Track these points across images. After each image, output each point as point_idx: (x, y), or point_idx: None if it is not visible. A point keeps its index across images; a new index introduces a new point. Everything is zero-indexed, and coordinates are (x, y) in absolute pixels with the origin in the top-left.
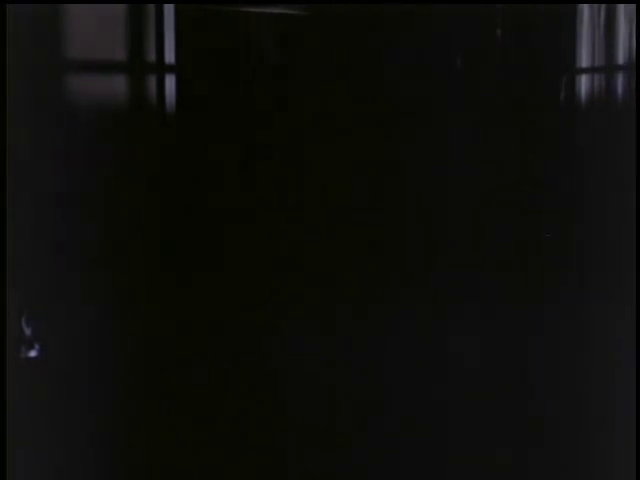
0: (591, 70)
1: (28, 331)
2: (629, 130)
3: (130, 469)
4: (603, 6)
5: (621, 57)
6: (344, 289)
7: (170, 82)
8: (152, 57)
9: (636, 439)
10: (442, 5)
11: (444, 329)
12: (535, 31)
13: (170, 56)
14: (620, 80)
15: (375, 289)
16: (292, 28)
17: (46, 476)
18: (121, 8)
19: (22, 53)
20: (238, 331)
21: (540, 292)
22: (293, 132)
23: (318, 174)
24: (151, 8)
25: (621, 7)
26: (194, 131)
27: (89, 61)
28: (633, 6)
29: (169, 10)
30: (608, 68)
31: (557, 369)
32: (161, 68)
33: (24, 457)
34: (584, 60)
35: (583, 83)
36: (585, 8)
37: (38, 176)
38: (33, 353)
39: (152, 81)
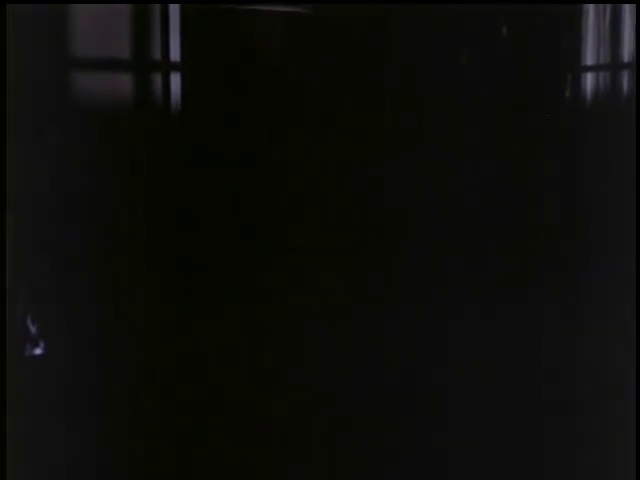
0: (591, 69)
1: (33, 329)
2: (629, 130)
3: (132, 469)
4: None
5: (622, 57)
6: (346, 287)
7: (175, 82)
8: (157, 56)
9: (636, 438)
10: (444, 5)
11: (443, 327)
12: (536, 31)
13: (175, 55)
14: (620, 80)
15: (375, 287)
16: (299, 27)
17: (47, 476)
18: (125, 8)
19: (22, 53)
20: (241, 330)
21: (539, 291)
22: (296, 132)
23: (320, 174)
24: (156, 8)
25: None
26: (198, 131)
27: (91, 60)
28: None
29: (174, 10)
30: (607, 67)
31: (556, 369)
32: (166, 68)
33: (25, 457)
34: (584, 60)
35: (583, 83)
36: (587, 8)
37: (40, 176)
38: (38, 351)
39: (157, 81)
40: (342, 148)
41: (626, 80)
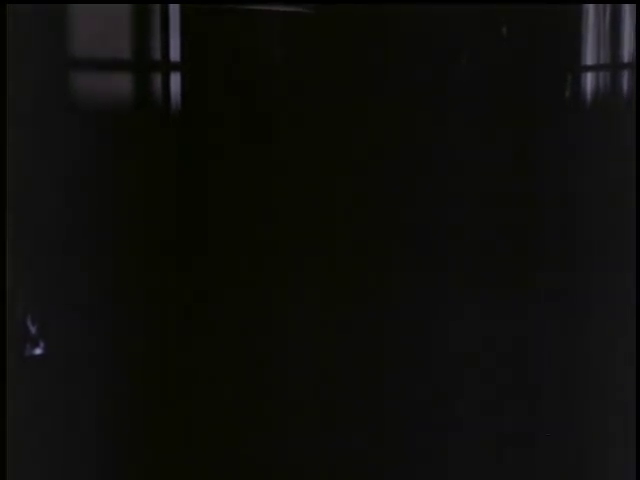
0: (591, 69)
1: (33, 329)
2: (629, 130)
3: (133, 468)
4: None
5: (622, 57)
6: (345, 284)
7: (175, 82)
8: (157, 56)
9: (636, 438)
10: (445, 5)
11: (443, 325)
12: (535, 30)
13: (175, 55)
14: (620, 80)
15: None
16: (299, 27)
17: (48, 476)
18: (125, 8)
19: (22, 53)
20: (240, 327)
21: (539, 291)
22: (296, 132)
23: (320, 173)
24: (156, 8)
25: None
26: (198, 131)
27: (91, 60)
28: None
29: (174, 10)
30: (607, 67)
31: (556, 368)
32: (166, 68)
33: (25, 457)
34: (584, 60)
35: (583, 83)
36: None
37: (40, 176)
38: (38, 351)
39: (156, 81)
40: (342, 147)
41: (626, 80)
